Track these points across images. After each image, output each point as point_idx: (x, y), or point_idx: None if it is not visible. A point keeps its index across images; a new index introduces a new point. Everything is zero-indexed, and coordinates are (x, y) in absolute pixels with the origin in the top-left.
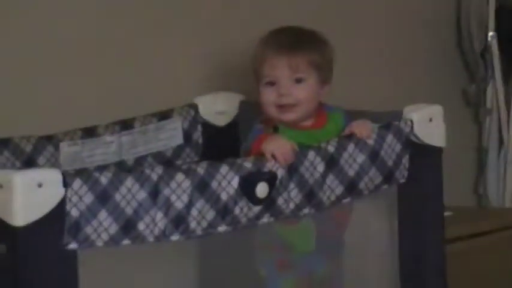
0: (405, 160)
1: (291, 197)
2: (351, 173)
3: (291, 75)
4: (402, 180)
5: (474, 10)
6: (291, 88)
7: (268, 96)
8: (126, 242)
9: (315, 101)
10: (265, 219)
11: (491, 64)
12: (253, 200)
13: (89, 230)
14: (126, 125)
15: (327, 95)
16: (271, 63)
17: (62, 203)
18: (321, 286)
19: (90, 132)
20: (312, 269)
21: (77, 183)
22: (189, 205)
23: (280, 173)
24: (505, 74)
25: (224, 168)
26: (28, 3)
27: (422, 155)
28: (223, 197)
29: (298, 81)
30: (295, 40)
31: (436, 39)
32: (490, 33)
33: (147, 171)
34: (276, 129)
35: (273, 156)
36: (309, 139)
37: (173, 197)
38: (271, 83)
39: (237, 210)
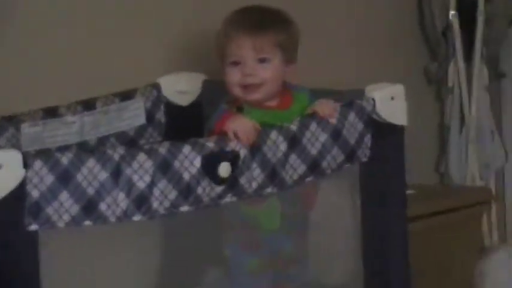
0: (367, 139)
1: (253, 176)
2: (314, 152)
3: (255, 55)
4: (364, 159)
5: None
6: (256, 68)
7: (233, 76)
8: (87, 222)
9: (280, 81)
10: (228, 198)
11: (452, 43)
12: (216, 179)
13: (50, 210)
14: (88, 105)
15: (292, 75)
16: (236, 43)
17: (23, 184)
18: (287, 264)
19: (51, 113)
20: (278, 248)
21: (37, 164)
22: (151, 185)
23: (243, 152)
24: (466, 52)
25: (186, 148)
26: None
27: (385, 134)
28: (186, 176)
29: (263, 61)
30: (259, 20)
31: (398, 17)
32: (452, 12)
33: (109, 151)
34: (240, 109)
35: (235, 136)
36: (274, 119)
37: (135, 177)
38: (236, 63)
39: (199, 190)
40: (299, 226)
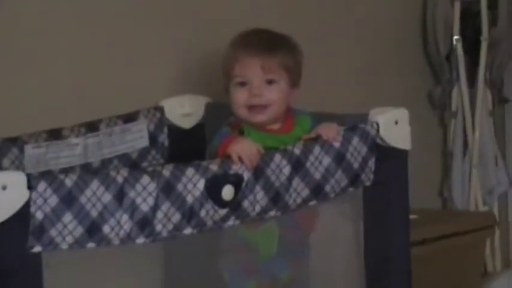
0: (371, 163)
1: (257, 199)
2: (317, 175)
3: (263, 75)
4: (368, 183)
5: (439, 14)
6: (263, 89)
7: (240, 97)
8: (91, 245)
9: (285, 104)
10: (231, 222)
11: (456, 67)
12: (219, 202)
13: (53, 232)
14: (91, 127)
15: (295, 99)
16: (243, 63)
17: (27, 206)
18: None
19: (55, 135)
20: (273, 273)
21: (41, 185)
22: (155, 208)
23: (246, 175)
24: (469, 77)
25: (190, 171)
26: None
27: (388, 158)
28: (189, 199)
29: (270, 82)
30: (267, 41)
31: (402, 42)
32: (455, 37)
33: (113, 173)
34: (241, 132)
35: (239, 159)
36: (276, 143)
37: (139, 200)
38: (242, 84)
39: (202, 213)
40: (297, 251)
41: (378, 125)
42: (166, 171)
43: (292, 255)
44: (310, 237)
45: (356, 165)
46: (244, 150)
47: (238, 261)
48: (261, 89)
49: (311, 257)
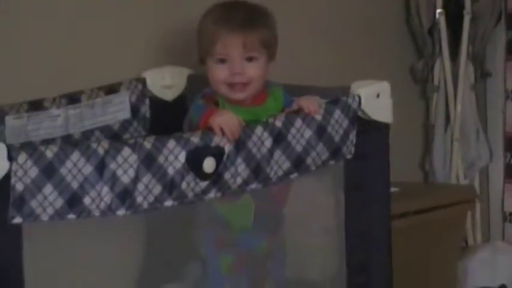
0: (352, 136)
1: (238, 172)
2: (298, 148)
3: (244, 53)
4: (349, 156)
5: None
6: (244, 67)
7: (220, 74)
8: (71, 216)
9: (264, 79)
10: (212, 194)
11: (438, 41)
12: (200, 175)
13: (34, 204)
14: (73, 98)
15: (275, 72)
16: (225, 41)
17: (7, 177)
18: (260, 262)
19: (36, 106)
20: (250, 246)
21: (22, 157)
22: (136, 180)
23: (228, 148)
24: (452, 51)
25: (171, 143)
26: None
27: (370, 131)
28: (170, 171)
29: (250, 59)
30: (249, 18)
31: (384, 15)
32: (438, 10)
33: (93, 145)
34: (216, 105)
35: (221, 130)
36: (249, 115)
37: (119, 172)
38: (223, 60)
39: (184, 185)
40: (272, 223)
41: (359, 98)
42: (148, 143)
43: (267, 228)
44: (283, 211)
45: (337, 138)
46: (226, 122)
47: (213, 236)
48: (242, 66)
49: (290, 230)
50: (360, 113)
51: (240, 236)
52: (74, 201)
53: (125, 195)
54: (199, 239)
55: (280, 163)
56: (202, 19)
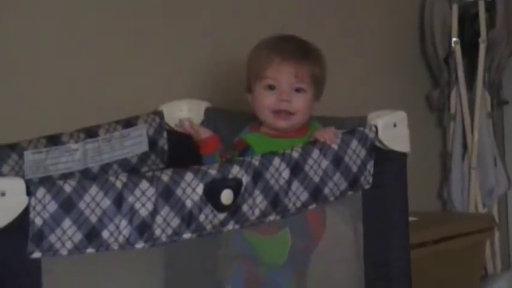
0: (370, 166)
1: (256, 203)
2: (316, 179)
3: (294, 83)
4: (367, 186)
5: (437, 16)
6: (292, 96)
7: (267, 100)
8: (90, 250)
9: (308, 115)
10: (231, 226)
11: (454, 69)
12: (218, 206)
13: (52, 238)
14: (90, 132)
15: (315, 112)
16: (278, 67)
17: (26, 212)
18: None
19: (54, 140)
20: (280, 285)
21: (40, 191)
22: (154, 212)
23: (245, 179)
24: (468, 79)
25: (189, 176)
26: None
27: (387, 161)
28: (188, 204)
29: (298, 90)
30: (303, 50)
31: (400, 45)
32: (454, 39)
33: (111, 178)
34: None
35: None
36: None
37: (138, 205)
38: (272, 87)
39: (202, 218)
40: (303, 262)
41: (376, 128)
42: (165, 176)
43: (298, 267)
44: (316, 247)
45: (355, 168)
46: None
47: (245, 272)
48: (290, 95)
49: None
50: (377, 143)
51: (270, 272)
52: (92, 235)
53: (143, 228)
54: (228, 274)
55: (298, 194)
56: (255, 48)
